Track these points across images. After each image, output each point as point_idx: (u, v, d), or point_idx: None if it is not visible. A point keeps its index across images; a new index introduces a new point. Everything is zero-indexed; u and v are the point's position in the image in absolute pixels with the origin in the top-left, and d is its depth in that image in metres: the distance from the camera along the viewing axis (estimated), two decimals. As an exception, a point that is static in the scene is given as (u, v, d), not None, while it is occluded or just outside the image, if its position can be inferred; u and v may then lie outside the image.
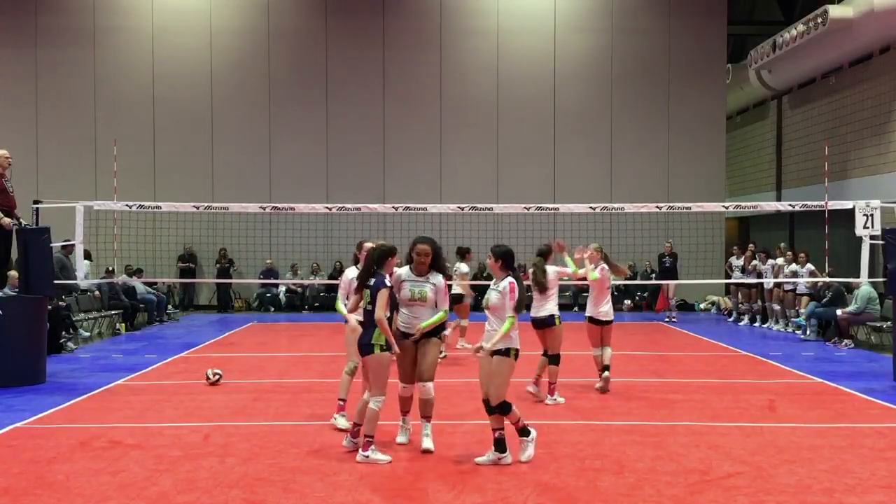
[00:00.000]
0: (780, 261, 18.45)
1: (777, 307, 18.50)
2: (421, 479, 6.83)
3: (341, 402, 8.52)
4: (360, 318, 8.08)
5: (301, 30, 23.88)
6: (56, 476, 6.90)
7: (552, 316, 9.98)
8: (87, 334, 16.55)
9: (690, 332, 17.98)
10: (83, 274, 16.97)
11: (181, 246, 22.80)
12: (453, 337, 14.20)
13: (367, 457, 7.25)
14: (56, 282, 13.07)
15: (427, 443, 7.53)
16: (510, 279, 7.26)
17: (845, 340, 15.33)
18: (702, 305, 23.50)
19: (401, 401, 7.88)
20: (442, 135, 23.85)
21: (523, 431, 7.29)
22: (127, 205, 15.16)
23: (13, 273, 12.35)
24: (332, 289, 14.31)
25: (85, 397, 10.35)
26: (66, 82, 23.54)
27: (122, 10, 23.66)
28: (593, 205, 15.78)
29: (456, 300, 13.73)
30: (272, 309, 23.09)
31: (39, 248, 11.75)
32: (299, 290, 23.32)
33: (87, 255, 17.92)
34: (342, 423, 8.34)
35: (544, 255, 10.22)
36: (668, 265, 21.03)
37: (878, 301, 15.32)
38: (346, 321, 8.24)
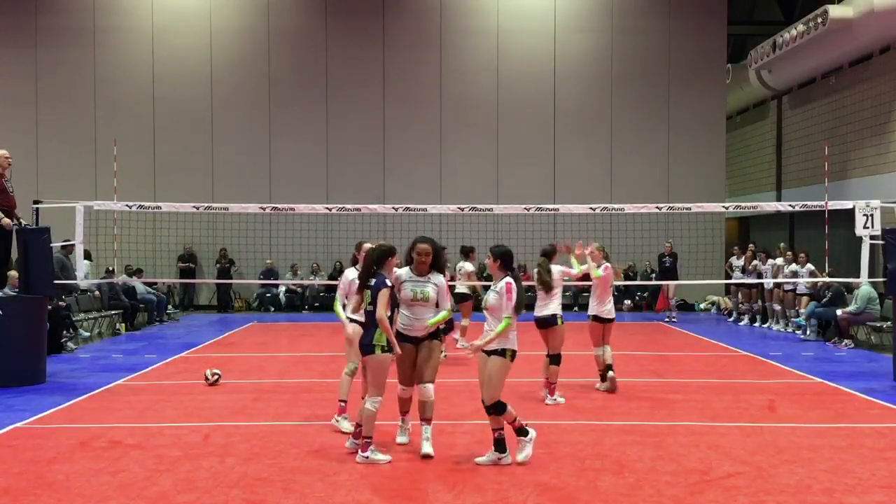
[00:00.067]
0: (779, 261, 18.45)
1: (777, 307, 18.50)
2: (421, 480, 6.83)
3: (342, 404, 8.49)
4: (361, 319, 8.10)
5: (301, 30, 23.88)
6: (56, 476, 6.90)
7: (555, 315, 9.99)
8: (87, 334, 16.55)
9: (690, 332, 17.98)
10: (83, 274, 16.96)
11: (181, 246, 22.80)
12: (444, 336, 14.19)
13: (367, 457, 7.25)
14: (56, 282, 13.07)
15: (427, 448, 7.41)
16: (507, 280, 7.26)
17: (845, 340, 15.33)
18: (702, 305, 23.51)
19: (400, 402, 7.86)
20: (442, 135, 23.85)
21: (521, 431, 7.27)
22: (127, 205, 15.17)
23: (13, 273, 12.35)
24: (332, 289, 14.35)
25: (85, 397, 10.35)
26: (66, 82, 23.54)
27: (122, 10, 23.66)
28: (593, 205, 15.78)
29: (460, 299, 13.76)
30: (272, 309, 23.10)
31: (39, 248, 11.75)
32: (299, 290, 23.32)
33: (87, 255, 17.92)
34: (345, 425, 8.32)
35: (548, 255, 10.24)
36: (668, 265, 21.04)
37: (878, 301, 15.32)
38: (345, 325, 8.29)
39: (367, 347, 7.33)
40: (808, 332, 16.58)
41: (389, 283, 7.34)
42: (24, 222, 12.11)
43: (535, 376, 11.18)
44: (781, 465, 7.24)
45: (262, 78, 23.75)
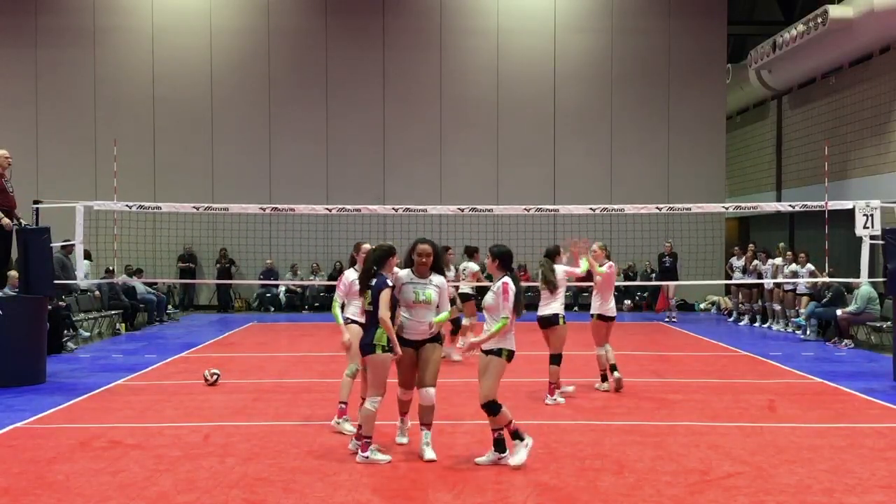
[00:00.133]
0: (777, 261, 18.46)
1: (777, 307, 18.51)
2: (421, 480, 6.83)
3: (342, 406, 8.45)
4: (361, 320, 8.10)
5: (301, 30, 23.88)
6: (56, 476, 6.90)
7: (556, 315, 9.98)
8: (87, 334, 16.55)
9: (690, 332, 17.98)
10: (83, 274, 16.97)
11: (181, 246, 22.80)
12: (453, 337, 14.19)
13: (367, 457, 7.24)
14: (56, 282, 13.08)
15: (429, 453, 7.34)
16: (504, 280, 7.26)
17: (845, 340, 15.33)
18: (702, 305, 23.51)
19: (400, 403, 7.85)
20: (442, 135, 23.85)
21: (516, 435, 7.18)
22: (127, 205, 15.17)
23: (13, 273, 12.35)
24: (332, 289, 14.36)
25: (85, 397, 10.35)
26: (66, 82, 23.55)
27: (122, 10, 23.67)
28: (593, 206, 15.80)
29: (463, 299, 13.78)
30: (272, 309, 23.10)
31: (39, 248, 11.75)
32: (299, 290, 23.33)
33: (87, 255, 17.93)
34: (347, 427, 8.31)
35: (551, 255, 10.24)
36: (668, 265, 21.04)
37: (878, 301, 15.32)
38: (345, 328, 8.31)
39: (367, 347, 7.32)
40: (808, 332, 16.58)
41: (390, 284, 7.34)
42: (24, 222, 12.12)
43: (536, 376, 11.19)
44: (781, 465, 7.24)
45: (262, 78, 23.75)
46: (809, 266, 17.23)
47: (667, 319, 20.35)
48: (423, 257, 7.49)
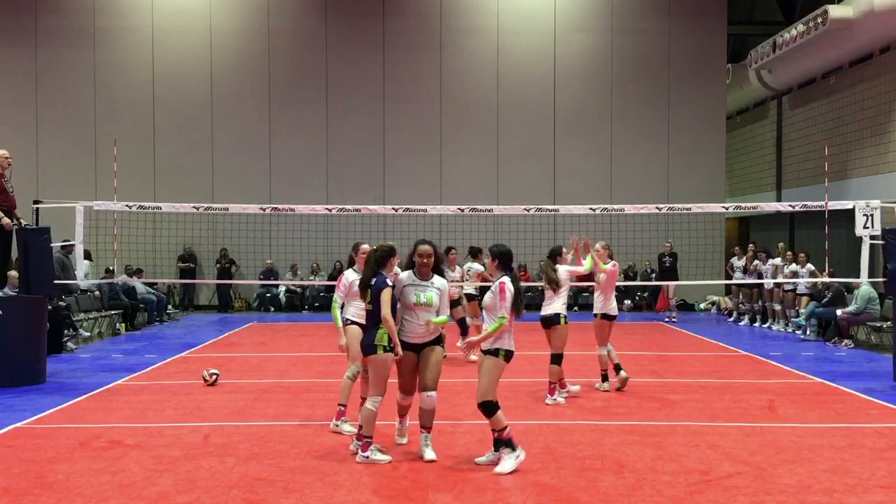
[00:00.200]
0: (777, 261, 18.46)
1: (777, 307, 18.51)
2: (421, 480, 6.83)
3: (342, 408, 8.43)
4: (360, 321, 8.09)
5: (301, 30, 23.89)
6: (56, 476, 6.90)
7: (558, 315, 9.97)
8: (88, 334, 16.55)
9: (690, 332, 17.98)
10: (83, 274, 16.97)
11: (181, 246, 22.80)
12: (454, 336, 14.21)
13: (367, 457, 7.24)
14: (56, 282, 13.08)
15: (429, 453, 7.33)
16: (501, 279, 7.25)
17: (845, 340, 15.33)
18: (702, 305, 23.52)
19: (399, 407, 7.81)
20: (442, 135, 23.86)
21: (510, 444, 7.02)
22: (127, 205, 15.18)
23: (13, 273, 12.35)
24: (332, 289, 14.32)
25: (85, 397, 10.35)
26: (66, 82, 23.54)
27: (122, 10, 23.67)
28: (593, 205, 15.80)
29: (470, 299, 13.81)
30: (272, 309, 23.10)
31: (39, 248, 11.76)
32: (299, 290, 23.33)
33: (87, 255, 17.93)
34: (346, 428, 8.30)
35: (554, 255, 10.26)
36: (668, 265, 21.05)
37: (878, 301, 15.32)
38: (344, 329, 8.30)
39: (368, 348, 7.31)
40: (808, 332, 16.59)
41: (390, 283, 7.32)
42: (24, 222, 12.12)
43: (536, 376, 11.20)
44: (781, 465, 7.24)
45: (262, 78, 23.75)
46: (809, 266, 17.23)
47: (667, 319, 20.35)
48: (423, 258, 7.43)
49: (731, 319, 20.63)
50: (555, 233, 21.24)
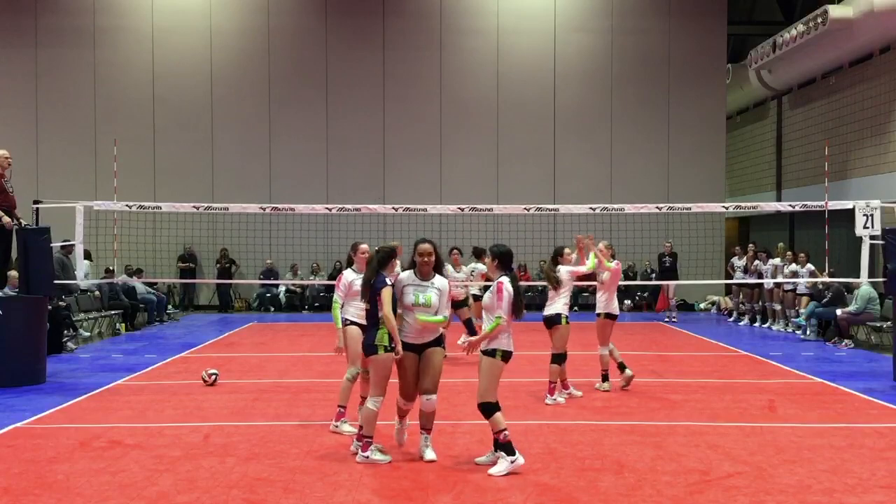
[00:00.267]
0: (776, 261, 18.47)
1: (777, 307, 18.51)
2: (421, 480, 6.83)
3: (341, 409, 8.42)
4: (360, 321, 8.09)
5: (301, 30, 23.89)
6: (56, 476, 6.90)
7: (559, 315, 10.00)
8: (87, 334, 16.55)
9: (690, 332, 17.98)
10: (83, 274, 16.97)
11: (181, 246, 22.80)
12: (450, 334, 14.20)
13: (368, 457, 7.24)
14: (56, 282, 13.08)
15: (429, 453, 7.33)
16: (500, 279, 7.25)
17: (845, 340, 15.33)
18: (702, 305, 23.52)
19: (399, 410, 7.69)
20: (442, 135, 23.86)
21: (507, 448, 6.97)
22: (127, 205, 15.18)
23: (13, 273, 12.35)
24: (332, 289, 14.26)
25: (85, 397, 10.35)
26: (66, 82, 23.54)
27: (122, 10, 23.67)
28: (593, 205, 15.80)
29: (475, 299, 13.83)
30: (272, 309, 23.10)
31: (39, 248, 11.76)
32: (299, 290, 23.33)
33: (87, 255, 17.93)
34: (346, 428, 8.30)
35: (556, 255, 10.28)
36: (668, 265, 21.05)
37: (878, 301, 15.32)
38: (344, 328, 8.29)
39: (369, 348, 7.31)
40: (808, 332, 16.59)
41: (389, 283, 7.31)
42: (24, 222, 12.11)
43: (536, 376, 11.20)
44: (781, 465, 7.24)
45: (262, 78, 23.75)
46: (809, 266, 17.23)
47: (667, 319, 20.36)
48: (424, 257, 7.37)
49: (731, 319, 20.63)
50: (555, 232, 21.25)
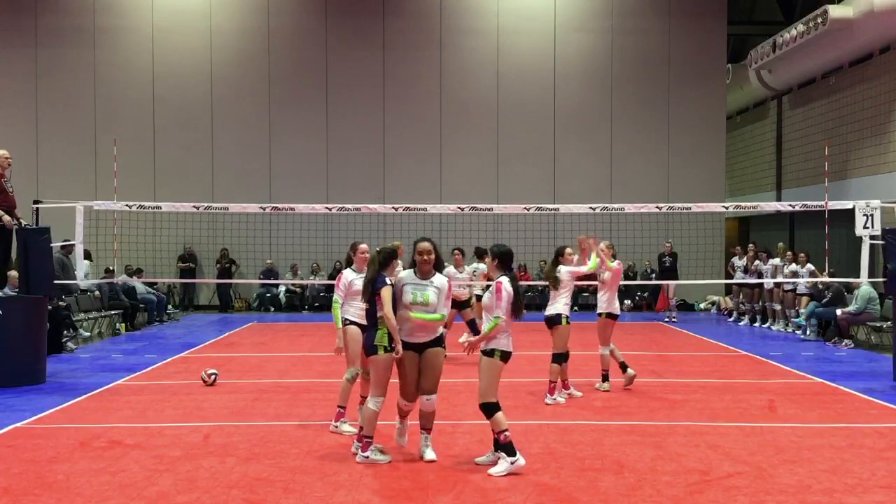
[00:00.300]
0: (776, 261, 18.47)
1: (777, 307, 18.51)
2: (421, 480, 6.83)
3: (341, 410, 8.42)
4: (360, 321, 8.08)
5: (301, 30, 23.89)
6: (56, 476, 6.90)
7: (559, 315, 10.01)
8: (87, 334, 16.55)
9: (690, 332, 17.98)
10: (83, 274, 16.97)
11: (181, 246, 22.80)
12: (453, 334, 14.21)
13: (367, 457, 7.24)
14: (56, 282, 13.07)
15: (429, 453, 7.34)
16: (499, 279, 7.25)
17: (845, 340, 15.33)
18: (702, 305, 23.52)
19: (400, 410, 7.61)
20: (442, 135, 23.86)
21: (508, 449, 6.96)
22: (127, 205, 15.18)
23: (13, 273, 12.35)
24: (332, 289, 14.23)
25: (85, 397, 10.35)
26: (66, 82, 23.54)
27: (122, 10, 23.67)
28: (593, 205, 15.80)
29: (478, 300, 13.83)
30: (272, 309, 23.10)
31: (39, 248, 11.75)
32: (299, 290, 23.33)
33: (87, 255, 17.93)
34: (346, 428, 8.30)
35: (557, 255, 10.30)
36: (668, 265, 21.05)
37: (878, 301, 15.32)
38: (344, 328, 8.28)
39: (369, 348, 7.30)
40: (808, 332, 16.59)
41: (389, 282, 7.31)
42: (24, 222, 12.11)
43: (536, 376, 11.21)
44: (781, 465, 7.24)
45: (262, 78, 23.75)
46: (809, 266, 17.23)
47: (667, 319, 20.35)
48: (423, 255, 7.34)
49: (731, 319, 20.64)
50: (555, 232, 21.26)
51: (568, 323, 10.08)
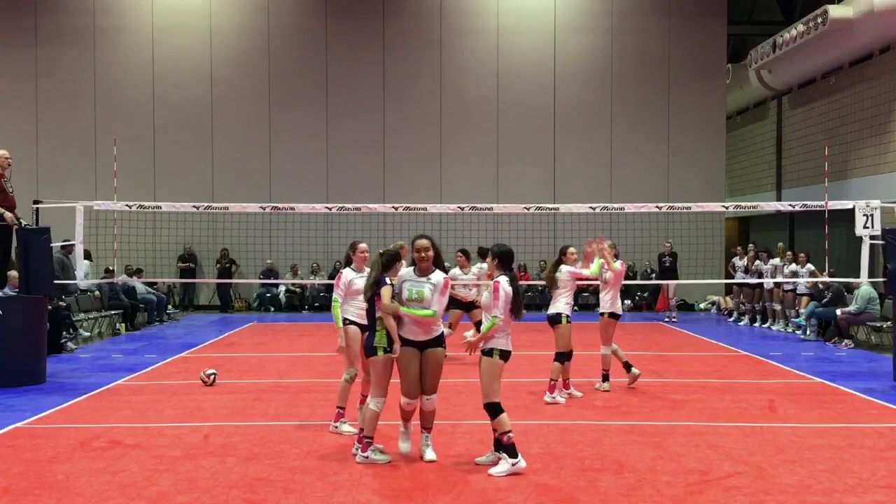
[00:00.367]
0: (775, 261, 18.47)
1: (777, 307, 18.51)
2: (421, 480, 6.83)
3: (340, 410, 8.42)
4: (360, 321, 8.08)
5: (301, 30, 23.89)
6: (56, 476, 6.90)
7: (559, 314, 10.04)
8: (87, 334, 16.55)
9: (690, 332, 17.98)
10: (83, 274, 16.97)
11: (181, 246, 22.80)
12: (456, 334, 14.21)
13: (367, 457, 7.24)
14: (56, 282, 13.07)
15: (429, 453, 7.32)
16: (498, 278, 7.25)
17: (845, 340, 15.33)
18: (702, 305, 23.52)
19: (403, 412, 7.49)
20: (442, 135, 23.86)
21: (511, 451, 6.94)
22: (127, 205, 15.19)
23: (13, 273, 12.35)
24: (332, 289, 14.23)
25: (85, 397, 10.35)
26: (66, 82, 23.54)
27: (122, 10, 23.67)
28: (593, 205, 15.80)
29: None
30: (272, 309, 23.10)
31: (39, 248, 11.75)
32: (299, 290, 23.33)
33: (87, 255, 17.92)
34: (346, 428, 8.30)
35: (560, 254, 10.33)
36: (668, 265, 21.05)
37: (878, 301, 15.32)
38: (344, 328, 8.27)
39: (369, 349, 7.30)
40: (808, 332, 16.58)
41: (389, 282, 7.31)
42: (24, 222, 12.12)
43: (536, 376, 11.21)
44: (781, 465, 7.24)
45: (262, 78, 23.76)
46: (809, 266, 17.23)
47: (667, 319, 20.36)
48: (420, 252, 7.30)
49: (731, 319, 20.64)
50: (555, 232, 21.27)
51: (569, 322, 10.09)
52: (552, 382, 10.00)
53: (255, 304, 23.49)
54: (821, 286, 16.92)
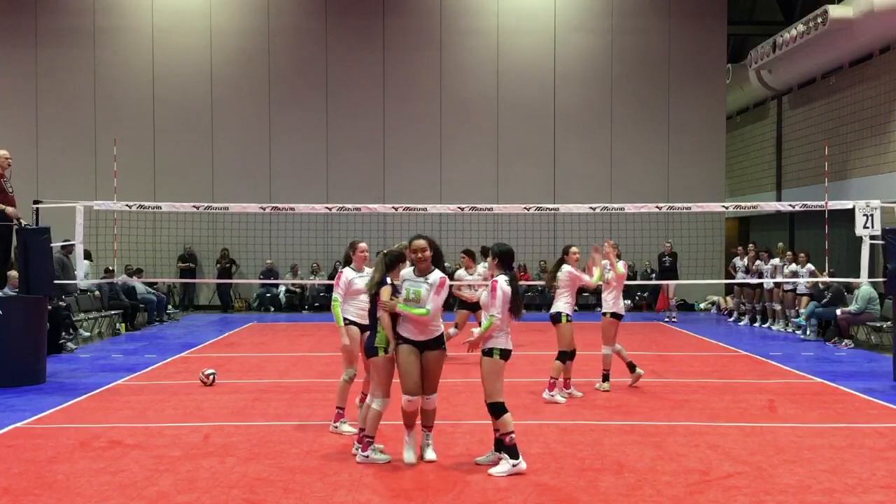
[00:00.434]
0: (776, 261, 18.48)
1: (777, 307, 18.51)
2: (421, 480, 6.83)
3: (339, 411, 8.42)
4: (360, 321, 8.08)
5: (301, 30, 23.89)
6: (56, 476, 6.90)
7: (559, 313, 10.09)
8: (87, 334, 16.55)
9: (690, 332, 17.98)
10: (83, 274, 16.97)
11: (181, 246, 22.80)
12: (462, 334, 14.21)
13: (368, 457, 7.24)
14: (56, 282, 13.07)
15: (429, 453, 7.31)
16: (497, 277, 7.25)
17: (845, 340, 15.33)
18: (702, 305, 23.52)
19: (405, 415, 7.30)
20: (442, 135, 23.86)
21: (512, 452, 6.92)
22: (127, 205, 15.19)
23: (13, 273, 12.35)
24: (332, 289, 14.20)
25: (85, 397, 10.35)
26: (66, 82, 23.54)
27: (122, 10, 23.67)
28: (593, 205, 15.81)
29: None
30: (272, 309, 23.10)
31: (39, 248, 11.75)
32: (299, 290, 23.33)
33: (87, 255, 17.93)
34: (345, 428, 8.30)
35: (563, 254, 10.35)
36: (668, 265, 21.05)
37: (878, 301, 15.32)
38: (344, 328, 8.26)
39: (369, 350, 7.31)
40: (808, 332, 16.58)
41: (388, 281, 7.31)
42: (24, 222, 12.12)
43: (536, 376, 11.21)
44: (781, 465, 7.24)
45: (262, 78, 23.76)
46: (809, 266, 17.23)
47: (667, 319, 20.35)
48: (417, 252, 7.27)
49: (731, 319, 20.63)
50: (555, 232, 21.28)
51: (569, 321, 10.10)
52: (552, 380, 10.01)
53: (255, 304, 23.49)
54: (821, 286, 16.92)
